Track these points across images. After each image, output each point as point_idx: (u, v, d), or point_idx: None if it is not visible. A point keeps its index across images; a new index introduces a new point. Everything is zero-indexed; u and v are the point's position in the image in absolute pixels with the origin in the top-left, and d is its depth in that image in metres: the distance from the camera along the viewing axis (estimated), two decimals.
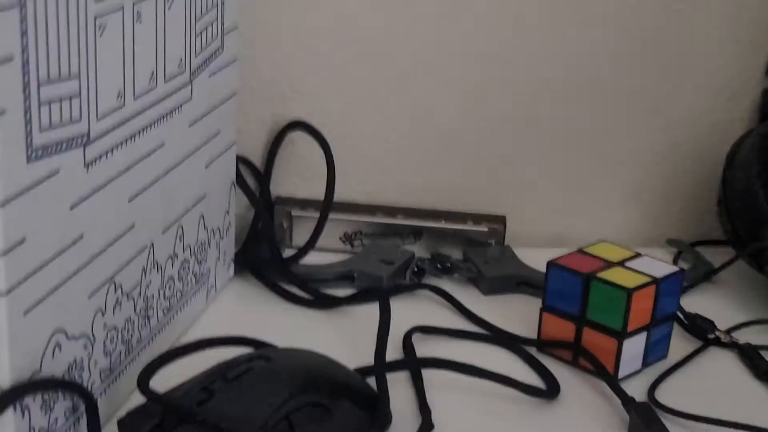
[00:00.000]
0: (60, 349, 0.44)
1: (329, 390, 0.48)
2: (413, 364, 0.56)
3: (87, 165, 0.45)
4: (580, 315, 0.58)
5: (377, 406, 0.50)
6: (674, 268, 0.59)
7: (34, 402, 0.43)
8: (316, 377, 0.49)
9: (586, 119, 0.75)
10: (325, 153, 0.70)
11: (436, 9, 0.71)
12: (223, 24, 0.60)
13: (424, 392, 0.54)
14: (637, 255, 0.60)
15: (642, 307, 0.57)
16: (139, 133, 0.50)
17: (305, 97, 0.73)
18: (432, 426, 0.51)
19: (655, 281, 0.57)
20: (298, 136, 0.73)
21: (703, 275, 0.71)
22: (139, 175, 0.51)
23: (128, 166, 0.49)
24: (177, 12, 0.53)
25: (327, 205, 0.70)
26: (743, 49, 0.75)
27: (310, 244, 0.70)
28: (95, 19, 0.44)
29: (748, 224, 0.68)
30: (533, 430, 0.52)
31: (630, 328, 0.57)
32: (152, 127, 0.52)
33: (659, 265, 0.59)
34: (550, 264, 0.59)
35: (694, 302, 0.68)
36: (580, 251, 0.61)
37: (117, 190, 0.48)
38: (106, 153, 0.47)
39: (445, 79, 0.73)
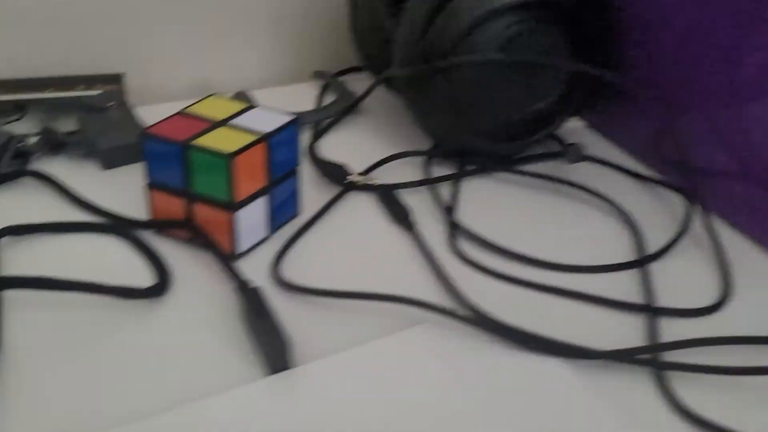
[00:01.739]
0: None
1: None
2: None
3: None
4: (186, 189, 0.50)
5: None
6: (285, 118, 0.52)
7: None
8: None
9: None
10: None
11: None
12: None
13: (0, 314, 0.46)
14: (248, 108, 0.53)
15: (252, 171, 0.50)
16: None
17: None
18: None
19: (264, 138, 0.50)
20: None
21: (346, 108, 0.64)
22: None
23: None
24: None
25: None
26: None
27: None
28: None
29: (377, 47, 0.62)
30: (129, 333, 0.45)
31: (242, 197, 0.50)
32: None
33: (271, 116, 0.52)
34: (144, 134, 0.50)
35: (340, 138, 0.62)
36: (182, 113, 0.52)
37: None
38: None
39: None
